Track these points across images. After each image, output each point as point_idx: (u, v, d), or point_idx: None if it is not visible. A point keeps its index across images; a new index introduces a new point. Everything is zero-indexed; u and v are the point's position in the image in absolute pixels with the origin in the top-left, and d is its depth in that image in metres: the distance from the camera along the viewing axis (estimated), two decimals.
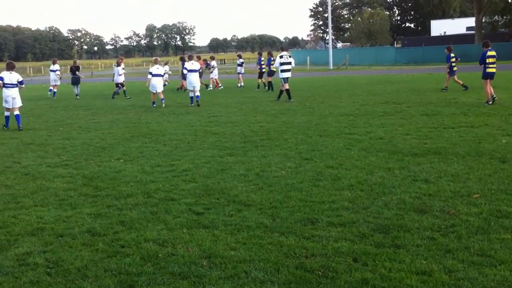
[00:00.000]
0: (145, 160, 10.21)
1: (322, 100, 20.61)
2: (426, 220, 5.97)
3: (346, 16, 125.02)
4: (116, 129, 14.93)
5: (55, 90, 29.54)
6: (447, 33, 78.00)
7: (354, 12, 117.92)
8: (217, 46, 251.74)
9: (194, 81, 21.08)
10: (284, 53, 21.43)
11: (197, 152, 10.77)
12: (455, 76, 22.54)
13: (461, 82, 22.45)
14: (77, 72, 28.48)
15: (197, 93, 21.04)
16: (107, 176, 8.93)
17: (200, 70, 25.95)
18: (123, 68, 27.82)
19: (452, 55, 22.38)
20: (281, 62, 21.00)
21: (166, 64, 33.71)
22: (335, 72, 47.99)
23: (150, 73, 21.36)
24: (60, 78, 30.16)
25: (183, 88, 28.86)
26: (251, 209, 6.77)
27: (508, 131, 11.41)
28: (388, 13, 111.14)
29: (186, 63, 22.19)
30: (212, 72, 31.72)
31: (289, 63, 21.00)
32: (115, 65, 28.55)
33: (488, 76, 17.19)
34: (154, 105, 21.03)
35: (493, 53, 17.27)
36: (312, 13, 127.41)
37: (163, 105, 20.83)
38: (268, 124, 14.37)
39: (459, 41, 62.63)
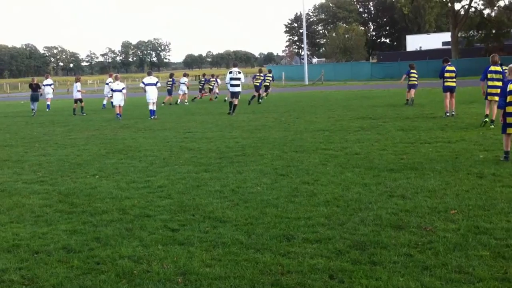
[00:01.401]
0: (120, 176, 10.08)
1: (298, 116, 20.66)
2: (403, 237, 5.94)
3: (321, 31, 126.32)
4: (92, 145, 14.76)
5: (49, 102, 31.16)
6: (423, 48, 79.23)
7: (329, 27, 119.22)
8: (192, 62, 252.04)
9: (150, 95, 22.44)
10: (234, 69, 23.00)
11: (172, 168, 10.67)
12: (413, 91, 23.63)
13: (408, 97, 23.58)
14: (38, 90, 28.93)
15: (154, 107, 22.45)
16: (82, 193, 8.81)
17: (185, 84, 30.96)
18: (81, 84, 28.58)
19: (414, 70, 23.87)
20: (230, 77, 22.61)
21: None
22: (311, 88, 48.32)
23: (111, 89, 24.13)
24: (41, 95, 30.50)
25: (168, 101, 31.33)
26: (227, 225, 6.69)
27: (485, 146, 11.51)
28: (363, 28, 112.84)
29: (145, 78, 23.59)
30: (180, 87, 32.76)
31: (238, 79, 22.43)
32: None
33: (447, 89, 18.08)
34: (119, 117, 22.84)
35: (452, 68, 18.31)
36: (287, 29, 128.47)
37: (119, 118, 22.59)
38: (243, 140, 14.32)
39: (435, 56, 63.59)
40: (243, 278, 5.02)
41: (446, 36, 75.67)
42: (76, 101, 27.37)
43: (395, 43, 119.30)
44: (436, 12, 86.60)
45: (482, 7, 69.26)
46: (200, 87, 36.89)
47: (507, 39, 65.38)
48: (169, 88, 32.99)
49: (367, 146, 12.31)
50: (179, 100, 32.07)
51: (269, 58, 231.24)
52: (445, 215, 6.68)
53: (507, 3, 71.55)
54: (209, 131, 16.81)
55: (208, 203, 7.81)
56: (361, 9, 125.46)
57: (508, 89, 10.06)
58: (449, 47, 67.85)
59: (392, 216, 6.73)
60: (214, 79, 35.19)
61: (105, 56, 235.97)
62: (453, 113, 17.97)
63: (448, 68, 18.25)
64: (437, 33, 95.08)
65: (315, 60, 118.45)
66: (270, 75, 31.83)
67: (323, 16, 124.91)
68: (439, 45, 79.61)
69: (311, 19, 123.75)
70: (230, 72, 23.00)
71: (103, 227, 6.85)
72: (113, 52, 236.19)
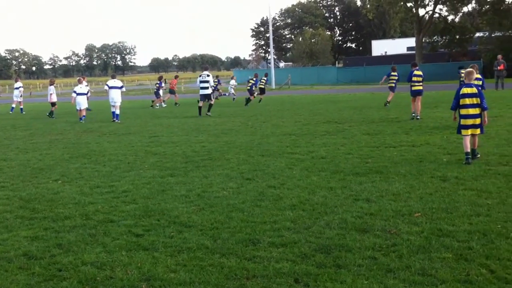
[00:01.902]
0: (84, 181, 9.92)
1: (265, 120, 20.69)
2: (367, 240, 5.98)
3: (287, 36, 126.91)
4: (55, 149, 14.49)
5: (14, 105, 31.12)
6: (388, 53, 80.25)
7: (295, 32, 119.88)
8: (158, 65, 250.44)
9: (114, 97, 22.91)
10: (203, 72, 23.98)
11: (137, 173, 10.54)
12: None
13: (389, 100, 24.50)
14: None
15: (117, 111, 22.84)
16: (44, 198, 8.63)
17: (162, 88, 32.31)
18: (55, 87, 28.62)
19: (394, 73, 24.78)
20: (200, 80, 23.68)
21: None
22: (278, 92, 48.50)
23: (75, 91, 24.03)
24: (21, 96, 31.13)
25: (156, 103, 32.17)
26: (192, 230, 6.63)
27: (449, 150, 11.68)
28: (329, 33, 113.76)
29: (109, 81, 23.97)
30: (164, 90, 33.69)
31: (207, 82, 23.27)
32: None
33: (414, 93, 18.62)
34: (81, 120, 23.12)
35: (419, 72, 18.84)
36: (254, 33, 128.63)
37: (83, 121, 22.95)
38: (210, 144, 14.26)
39: (400, 61, 64.48)
40: (208, 283, 4.97)
41: (411, 41, 76.79)
42: (53, 104, 27.18)
43: (360, 48, 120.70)
44: (401, 18, 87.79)
45: (446, 13, 70.65)
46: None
47: (471, 44, 66.70)
48: (156, 90, 33.28)
49: (333, 150, 12.38)
50: (163, 103, 32.64)
51: (236, 62, 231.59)
52: (409, 218, 6.75)
53: (470, 9, 73.18)
54: (175, 135, 16.69)
55: (174, 207, 7.74)
56: (327, 14, 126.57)
57: (461, 92, 10.44)
58: (414, 52, 68.88)
59: (357, 220, 6.77)
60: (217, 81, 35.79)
61: (68, 59, 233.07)
62: (418, 117, 18.32)
63: (415, 72, 18.81)
64: (402, 38, 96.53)
65: (282, 64, 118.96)
66: (265, 78, 32.86)
67: (289, 21, 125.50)
68: (403, 50, 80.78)
69: (277, 24, 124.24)
70: (200, 76, 23.90)
71: (66, 233, 6.72)
72: (76, 55, 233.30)
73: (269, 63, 74.92)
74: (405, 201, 7.60)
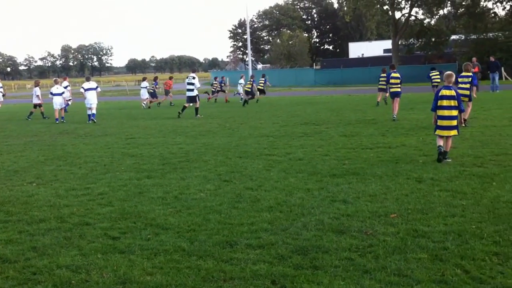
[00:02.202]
0: (59, 184, 9.80)
1: (242, 121, 20.68)
2: (344, 241, 6.01)
3: (265, 37, 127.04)
4: (30, 151, 14.30)
5: None
6: (365, 55, 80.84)
7: (273, 34, 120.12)
8: (135, 67, 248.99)
9: (90, 99, 23.17)
10: (191, 74, 24.23)
11: (113, 175, 10.45)
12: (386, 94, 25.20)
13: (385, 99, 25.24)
14: None
15: (94, 111, 23.08)
16: (19, 201, 8.52)
17: (146, 89, 32.13)
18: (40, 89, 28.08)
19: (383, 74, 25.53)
20: (187, 82, 23.88)
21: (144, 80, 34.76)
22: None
23: (51, 92, 24.38)
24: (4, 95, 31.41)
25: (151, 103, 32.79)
26: (169, 232, 6.59)
27: (425, 151, 11.79)
28: (307, 35, 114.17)
29: (84, 83, 24.18)
30: (141, 92, 33.61)
31: (192, 84, 23.42)
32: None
33: (392, 95, 19.21)
34: (57, 121, 23.33)
35: (397, 75, 19.26)
36: (232, 35, 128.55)
37: (61, 120, 23.42)
38: (187, 146, 14.20)
39: (377, 63, 65.03)
40: (185, 286, 4.96)
41: (387, 44, 77.48)
42: (35, 106, 26.83)
43: (338, 50, 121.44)
44: (377, 20, 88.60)
45: (422, 16, 71.43)
46: (218, 89, 37.50)
47: (446, 47, 67.54)
48: (152, 91, 33.47)
49: (310, 152, 12.42)
50: (144, 104, 32.72)
51: (213, 64, 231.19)
52: (385, 219, 6.80)
53: (446, 12, 74.09)
54: (152, 137, 16.59)
55: (150, 210, 7.69)
56: (304, 16, 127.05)
57: (440, 94, 10.63)
58: (390, 54, 69.53)
59: (334, 221, 6.80)
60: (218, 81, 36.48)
61: (44, 60, 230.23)
62: (394, 116, 18.68)
63: (393, 75, 19.34)
64: (378, 40, 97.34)
65: (259, 66, 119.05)
66: (263, 79, 33.45)
67: (267, 23, 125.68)
68: (380, 53, 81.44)
69: (255, 25, 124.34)
70: (187, 77, 24.28)
71: (40, 236, 6.65)
72: (52, 56, 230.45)
73: (247, 64, 74.96)
74: (381, 202, 7.65)
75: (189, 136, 16.38)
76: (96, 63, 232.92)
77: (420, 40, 68.15)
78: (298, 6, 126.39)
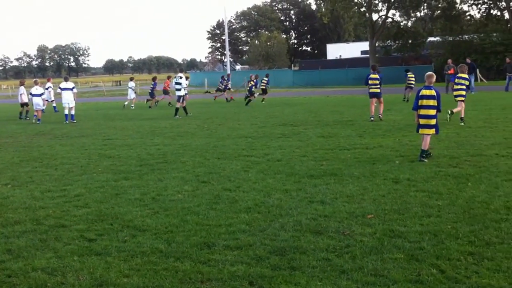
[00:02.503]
0: (35, 185, 9.68)
1: (221, 122, 20.64)
2: (321, 241, 6.03)
3: (244, 38, 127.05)
4: (5, 153, 14.10)
5: None
6: (342, 57, 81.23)
7: (251, 35, 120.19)
8: (112, 67, 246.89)
9: (67, 99, 23.36)
10: (178, 74, 24.90)
11: (90, 176, 10.35)
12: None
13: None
14: None
15: (72, 112, 23.32)
16: None
17: (132, 89, 32.09)
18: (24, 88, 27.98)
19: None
20: (175, 82, 24.51)
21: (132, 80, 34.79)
22: (234, 94, 48.38)
23: (31, 93, 24.56)
24: None
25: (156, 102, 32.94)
26: (146, 234, 6.55)
27: (401, 152, 11.89)
28: (285, 36, 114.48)
29: (62, 83, 24.44)
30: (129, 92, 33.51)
31: (179, 84, 23.86)
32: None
33: (371, 95, 19.35)
34: (39, 122, 23.51)
35: (375, 76, 19.36)
36: (210, 35, 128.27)
37: (37, 122, 23.43)
38: (165, 147, 14.13)
39: (354, 64, 65.47)
40: None
41: (365, 45, 77.98)
42: (22, 105, 26.75)
43: (316, 51, 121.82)
44: (355, 22, 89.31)
45: (399, 18, 72.18)
46: (223, 87, 37.56)
47: (423, 49, 68.27)
48: (150, 91, 33.35)
49: (288, 153, 12.45)
50: (126, 104, 32.84)
51: (192, 64, 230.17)
52: (362, 220, 6.84)
53: (422, 14, 74.89)
54: (130, 138, 16.47)
55: (127, 211, 7.63)
56: (282, 18, 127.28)
57: (420, 94, 10.97)
58: (368, 56, 70.06)
59: (312, 222, 6.82)
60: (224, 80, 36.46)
61: (20, 61, 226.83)
62: (380, 116, 19.00)
63: (371, 76, 19.43)
64: (356, 42, 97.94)
65: (238, 67, 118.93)
66: (266, 79, 33.72)
67: (245, 24, 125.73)
68: (358, 54, 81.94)
69: (233, 26, 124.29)
70: (175, 77, 25.12)
71: (15, 238, 6.57)
72: (28, 56, 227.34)
73: (226, 65, 74.88)
74: (358, 202, 7.70)
75: (167, 137, 16.30)
76: (73, 64, 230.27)
77: (397, 41, 68.77)
78: (276, 8, 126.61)
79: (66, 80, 24.61)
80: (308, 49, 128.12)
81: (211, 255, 5.73)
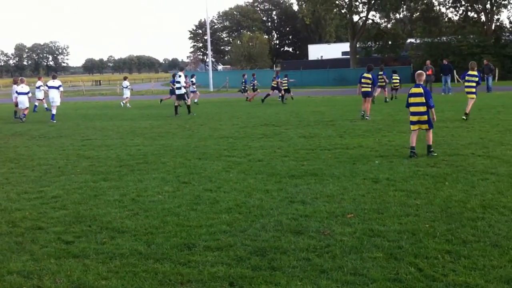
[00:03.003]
0: (10, 187, 9.55)
1: (202, 123, 20.58)
2: (302, 241, 6.04)
3: (226, 39, 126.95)
4: None
5: None
6: (324, 57, 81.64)
7: (233, 35, 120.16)
8: (92, 66, 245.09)
9: (54, 97, 23.75)
10: (178, 73, 25.40)
11: (68, 178, 10.24)
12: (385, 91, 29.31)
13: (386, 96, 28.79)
14: None
15: (54, 111, 23.62)
16: None
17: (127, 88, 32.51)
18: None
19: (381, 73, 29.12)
20: (175, 80, 25.41)
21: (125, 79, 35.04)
22: (216, 94, 48.45)
23: (16, 91, 24.78)
24: None
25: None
26: (125, 235, 6.50)
27: (381, 152, 11.97)
28: (267, 37, 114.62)
29: (49, 81, 24.78)
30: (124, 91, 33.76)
31: (179, 82, 24.41)
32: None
33: (363, 94, 19.97)
34: (23, 118, 23.69)
35: (368, 75, 19.97)
36: (192, 35, 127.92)
37: (23, 120, 23.44)
38: (145, 147, 14.04)
39: (335, 65, 65.80)
40: None
41: (346, 46, 78.45)
42: (16, 104, 26.35)
43: (297, 52, 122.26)
44: (336, 24, 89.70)
45: (379, 20, 72.68)
46: (243, 88, 38.23)
47: (402, 50, 68.90)
48: (171, 88, 32.89)
49: (269, 153, 12.45)
50: (122, 103, 32.90)
51: (174, 64, 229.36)
52: (342, 219, 6.87)
53: (402, 16, 75.57)
54: (109, 139, 16.33)
55: (106, 213, 7.56)
56: (264, 18, 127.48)
57: (410, 92, 11.57)
58: (348, 56, 70.50)
59: (292, 222, 6.83)
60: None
61: None
62: (367, 117, 19.51)
63: (364, 75, 20.03)
64: (337, 43, 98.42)
65: (220, 67, 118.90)
66: (285, 79, 34.30)
67: (227, 24, 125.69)
68: (339, 55, 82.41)
69: (215, 26, 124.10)
70: (173, 76, 26.00)
71: None
72: (5, 55, 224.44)
73: (207, 65, 74.77)
74: (338, 202, 7.73)
75: (148, 138, 16.20)
76: (51, 63, 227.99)
77: (377, 43, 69.34)
78: (258, 8, 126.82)
79: (54, 78, 24.92)
80: (290, 49, 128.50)
81: (192, 256, 5.71)
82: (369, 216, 6.96)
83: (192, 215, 7.34)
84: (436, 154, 11.17)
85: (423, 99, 11.21)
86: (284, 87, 33.26)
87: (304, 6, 74.30)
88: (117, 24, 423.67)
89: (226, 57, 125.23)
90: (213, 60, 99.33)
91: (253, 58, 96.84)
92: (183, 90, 24.46)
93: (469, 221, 6.58)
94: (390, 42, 67.88)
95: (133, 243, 6.19)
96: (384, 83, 29.53)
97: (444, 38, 58.94)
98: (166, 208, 7.70)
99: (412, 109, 11.43)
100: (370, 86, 19.84)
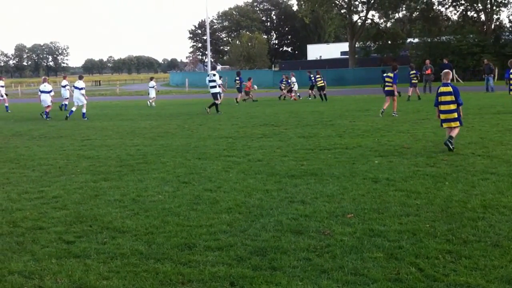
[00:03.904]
0: (11, 187, 9.55)
1: (201, 122, 20.60)
2: (302, 241, 6.05)
3: (225, 39, 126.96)
4: None
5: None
6: (322, 57, 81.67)
7: (232, 35, 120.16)
8: (92, 67, 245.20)
9: (79, 98, 24.48)
10: (211, 72, 26.28)
11: (69, 178, 10.25)
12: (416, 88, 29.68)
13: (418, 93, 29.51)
14: None
15: (73, 109, 24.61)
16: None
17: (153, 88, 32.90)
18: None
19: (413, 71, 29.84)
20: (208, 80, 25.50)
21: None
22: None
23: (39, 90, 25.60)
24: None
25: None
26: (126, 235, 6.51)
27: (380, 152, 11.97)
28: (266, 37, 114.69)
29: (76, 82, 25.55)
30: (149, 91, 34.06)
31: (214, 81, 25.02)
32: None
33: (386, 93, 20.91)
34: (47, 117, 24.66)
35: (391, 74, 20.66)
36: (191, 35, 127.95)
37: (48, 118, 24.27)
38: (145, 147, 14.05)
39: (334, 65, 65.82)
40: None
41: (345, 46, 78.50)
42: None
43: (296, 52, 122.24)
44: (336, 24, 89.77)
45: (378, 20, 72.68)
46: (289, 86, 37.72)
47: (402, 50, 68.91)
48: (238, 86, 34.71)
49: (269, 153, 12.46)
50: (149, 102, 33.06)
51: (173, 64, 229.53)
52: (342, 219, 6.88)
53: (401, 16, 75.58)
54: (109, 139, 16.34)
55: (107, 213, 7.57)
56: (263, 18, 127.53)
57: (439, 91, 12.04)
58: (347, 56, 70.50)
59: (292, 221, 6.84)
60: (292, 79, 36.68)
61: None
62: (394, 113, 20.07)
63: (388, 74, 20.91)
64: (336, 43, 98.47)
65: (219, 67, 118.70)
66: (319, 76, 34.04)
67: (226, 24, 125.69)
68: (337, 55, 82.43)
69: (215, 26, 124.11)
70: (208, 75, 26.12)
71: None
72: (5, 55, 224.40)
73: (206, 65, 74.71)
74: (338, 202, 7.74)
75: (147, 138, 16.21)
76: (51, 63, 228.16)
77: (376, 43, 69.33)
78: (257, 8, 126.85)
79: (80, 78, 25.77)
80: (289, 49, 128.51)
81: (192, 256, 5.71)
82: (369, 216, 6.97)
83: (192, 215, 7.34)
84: (453, 146, 11.51)
85: (452, 98, 11.69)
86: (321, 84, 33.44)
87: (303, 5, 74.19)
88: (116, 25, 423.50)
89: (225, 57, 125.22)
90: (212, 60, 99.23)
91: (251, 58, 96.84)
92: (218, 89, 25.11)
93: (470, 221, 6.58)
94: (389, 42, 67.88)
95: (133, 243, 6.20)
96: (416, 81, 30.20)
97: (444, 37, 58.92)
98: (167, 208, 7.70)
99: (442, 107, 11.89)
100: (392, 84, 20.33)
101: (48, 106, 25.11)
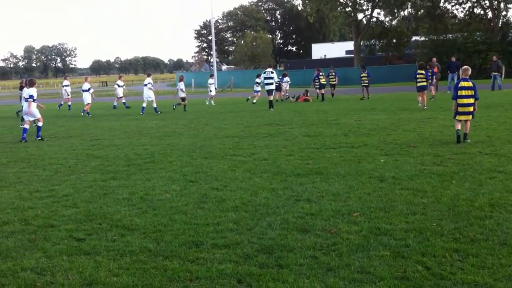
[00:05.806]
0: (23, 186, 9.66)
1: (207, 122, 20.68)
2: (308, 239, 6.10)
3: (230, 39, 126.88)
4: None
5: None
6: (327, 56, 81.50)
7: (237, 35, 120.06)
8: (99, 68, 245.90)
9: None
10: (268, 69, 26.49)
11: (78, 177, 10.35)
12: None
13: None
14: None
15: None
16: None
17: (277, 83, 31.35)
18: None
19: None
20: (264, 77, 26.43)
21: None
22: (220, 94, 48.52)
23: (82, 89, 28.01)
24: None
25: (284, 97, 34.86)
26: (135, 233, 6.59)
27: (386, 151, 11.99)
28: (270, 36, 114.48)
29: (117, 81, 29.43)
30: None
31: (271, 78, 25.88)
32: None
33: (418, 89, 22.43)
34: (88, 114, 26.58)
35: (422, 71, 22.64)
36: (197, 36, 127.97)
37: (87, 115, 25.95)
38: (152, 147, 14.14)
39: (339, 64, 65.66)
40: (151, 286, 4.99)
41: (349, 45, 78.38)
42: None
43: (301, 51, 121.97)
44: (340, 22, 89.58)
45: (383, 18, 72.55)
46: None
47: (407, 48, 68.70)
48: (277, 85, 33.42)
49: (274, 152, 12.51)
50: (208, 100, 33.71)
51: (178, 65, 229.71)
52: (348, 218, 6.92)
53: (406, 13, 75.38)
54: (117, 138, 16.45)
55: (116, 211, 7.66)
56: (268, 18, 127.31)
57: (459, 86, 12.73)
58: (352, 55, 70.36)
59: (299, 220, 6.90)
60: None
61: (6, 61, 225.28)
62: (425, 107, 21.72)
63: (419, 71, 22.83)
64: (341, 42, 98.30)
65: (224, 67, 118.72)
66: (334, 74, 34.98)
67: (231, 24, 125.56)
68: (342, 54, 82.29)
69: (220, 26, 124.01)
70: (264, 72, 26.75)
71: (4, 238, 6.57)
72: (15, 57, 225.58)
73: (212, 66, 74.80)
74: (344, 201, 7.78)
75: (154, 137, 16.30)
76: (59, 64, 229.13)
77: (381, 41, 69.16)
78: (262, 8, 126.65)
79: (120, 78, 29.77)
80: (294, 49, 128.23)
81: (199, 253, 5.79)
82: (375, 215, 7.01)
83: (200, 213, 7.42)
84: (469, 141, 12.48)
85: (472, 92, 12.48)
86: (333, 82, 33.98)
87: (308, 4, 74.07)
88: (123, 26, 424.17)
89: (230, 57, 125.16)
90: (217, 60, 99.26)
91: (256, 58, 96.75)
92: (273, 86, 26.02)
93: (477, 220, 6.60)
94: (394, 40, 67.69)
95: (142, 241, 6.28)
96: (435, 80, 30.66)
97: (450, 35, 58.64)
98: (174, 207, 7.78)
99: (461, 101, 12.55)
100: (424, 80, 22.23)
101: (88, 103, 27.18)
